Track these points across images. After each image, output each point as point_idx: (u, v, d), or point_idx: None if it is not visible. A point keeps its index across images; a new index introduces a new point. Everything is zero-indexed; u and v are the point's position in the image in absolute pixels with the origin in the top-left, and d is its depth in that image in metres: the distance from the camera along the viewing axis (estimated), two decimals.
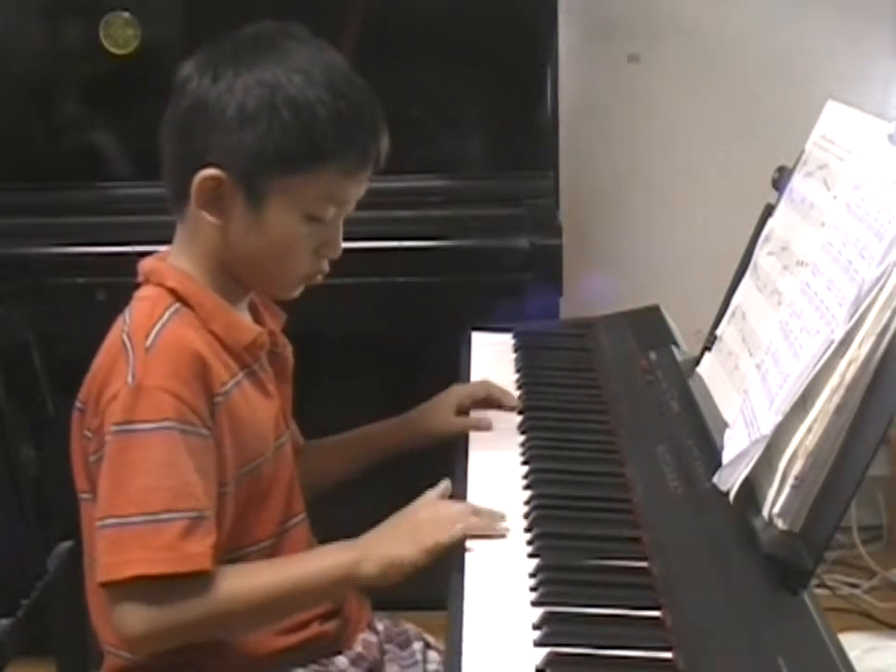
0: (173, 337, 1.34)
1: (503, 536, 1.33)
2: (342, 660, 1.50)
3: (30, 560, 1.63)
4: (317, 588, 1.35)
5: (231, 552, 1.37)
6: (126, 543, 1.27)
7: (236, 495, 1.38)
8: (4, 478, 1.59)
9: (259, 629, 1.41)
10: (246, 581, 1.32)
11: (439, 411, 1.66)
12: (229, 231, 1.38)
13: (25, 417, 1.74)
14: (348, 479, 1.66)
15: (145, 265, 1.43)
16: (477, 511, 1.35)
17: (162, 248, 1.46)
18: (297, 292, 1.46)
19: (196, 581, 1.28)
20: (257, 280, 1.44)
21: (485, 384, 1.71)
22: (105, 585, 1.29)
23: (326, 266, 1.45)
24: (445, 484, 1.42)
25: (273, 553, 1.44)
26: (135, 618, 1.27)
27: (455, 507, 1.37)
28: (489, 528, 1.33)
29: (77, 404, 1.40)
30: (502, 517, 1.36)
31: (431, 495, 1.39)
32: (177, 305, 1.38)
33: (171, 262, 1.42)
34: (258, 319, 1.49)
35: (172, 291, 1.39)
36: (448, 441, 1.62)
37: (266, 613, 1.36)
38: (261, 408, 1.43)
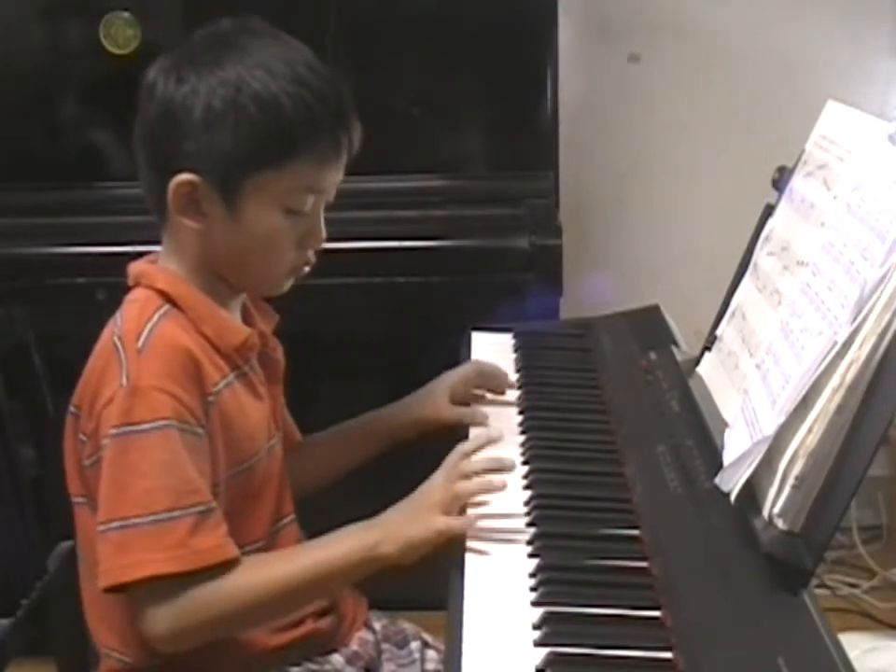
0: (164, 337, 1.34)
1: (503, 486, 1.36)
2: (337, 658, 1.51)
3: (30, 560, 1.63)
4: (339, 571, 1.34)
5: None
6: (133, 545, 1.27)
7: (227, 496, 1.38)
8: (4, 478, 1.59)
9: (282, 618, 1.42)
10: (265, 571, 1.32)
11: (431, 399, 1.66)
12: (210, 233, 1.39)
13: (25, 417, 1.74)
14: (346, 472, 1.66)
15: (134, 268, 1.43)
16: (475, 470, 1.38)
17: (158, 248, 1.46)
18: (286, 287, 1.46)
19: (211, 576, 1.28)
20: (244, 279, 1.44)
21: (475, 363, 1.73)
22: (110, 589, 1.29)
23: (312, 257, 1.44)
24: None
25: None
26: (159, 620, 1.28)
27: (454, 472, 1.37)
28: (486, 485, 1.35)
29: (71, 409, 1.40)
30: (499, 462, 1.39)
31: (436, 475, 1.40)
32: (167, 307, 1.38)
33: (160, 265, 1.43)
34: (248, 321, 1.49)
35: (162, 293, 1.39)
36: (442, 429, 1.63)
37: (289, 601, 1.36)
38: (252, 410, 1.43)
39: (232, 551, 1.30)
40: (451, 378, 1.68)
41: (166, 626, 1.28)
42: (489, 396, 1.70)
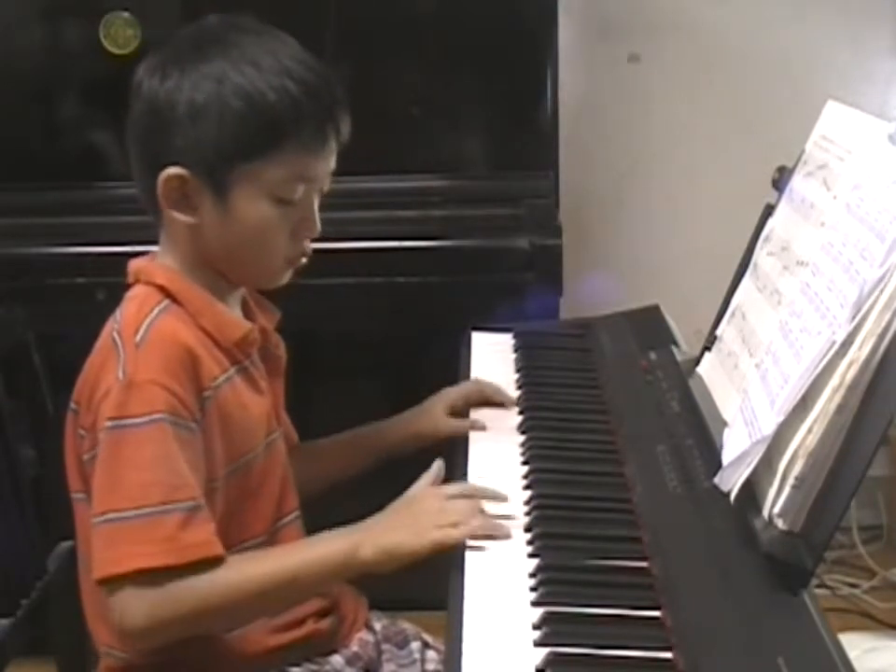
0: (162, 332, 1.35)
1: (507, 537, 1.32)
2: (337, 659, 1.50)
3: (30, 560, 1.63)
4: (317, 574, 1.34)
5: (224, 548, 1.36)
6: (124, 538, 1.27)
7: (226, 491, 1.38)
8: (4, 478, 1.59)
9: (259, 618, 1.41)
10: (244, 569, 1.32)
11: (429, 412, 1.66)
12: (202, 227, 1.39)
13: (25, 417, 1.74)
14: (340, 483, 1.65)
15: (133, 265, 1.44)
16: (481, 511, 1.34)
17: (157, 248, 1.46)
18: (284, 279, 1.45)
19: (196, 572, 1.28)
20: (240, 272, 1.44)
21: (476, 382, 1.72)
22: (102, 581, 1.28)
23: (308, 248, 1.44)
24: (438, 465, 1.41)
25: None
26: (135, 611, 1.27)
27: (460, 504, 1.35)
28: (491, 531, 1.32)
29: (71, 405, 1.40)
30: (507, 519, 1.34)
31: (425, 481, 1.39)
32: (167, 302, 1.38)
33: (159, 261, 1.43)
34: (249, 317, 1.49)
35: (161, 289, 1.39)
36: (440, 443, 1.62)
37: (265, 602, 1.35)
38: (252, 404, 1.43)
39: (219, 549, 1.30)
40: (451, 394, 1.68)
41: (141, 619, 1.27)
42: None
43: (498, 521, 1.33)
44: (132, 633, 1.29)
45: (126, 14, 2.34)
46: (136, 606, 1.27)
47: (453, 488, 1.39)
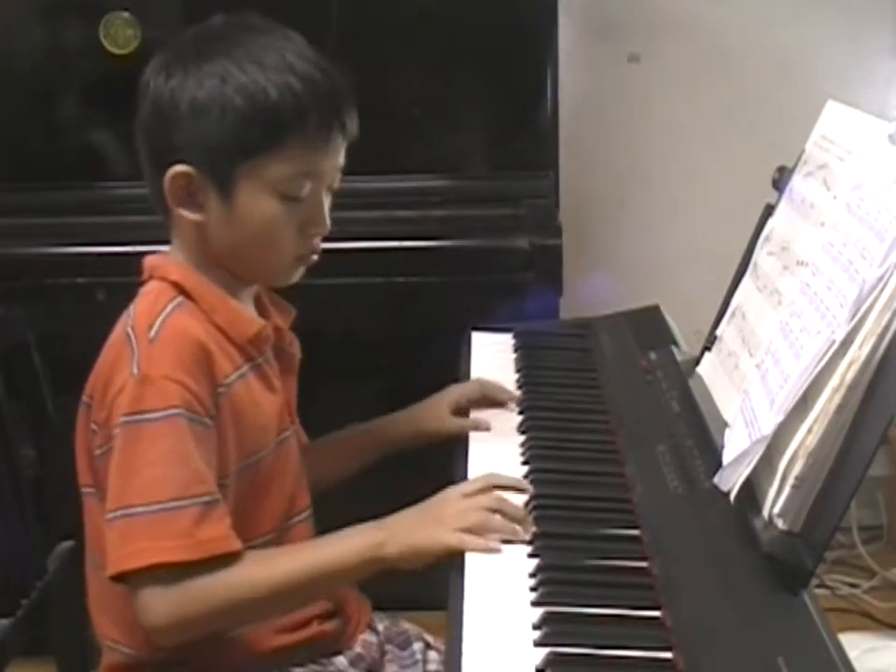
0: (176, 327, 1.35)
1: (525, 540, 1.31)
2: (341, 660, 1.50)
3: (30, 560, 1.63)
4: (341, 570, 1.33)
5: None
6: (139, 533, 1.27)
7: (236, 488, 1.38)
8: (4, 478, 1.59)
9: (285, 613, 1.41)
10: (269, 566, 1.32)
11: (434, 410, 1.66)
12: (209, 225, 1.39)
13: (25, 417, 1.74)
14: (347, 477, 1.66)
15: (148, 261, 1.44)
16: (501, 510, 1.33)
17: (161, 248, 1.46)
18: (295, 276, 1.45)
19: (213, 568, 1.28)
20: (248, 269, 1.44)
21: (478, 381, 1.72)
22: (116, 577, 1.28)
23: (318, 245, 1.44)
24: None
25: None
26: (159, 609, 1.27)
27: (480, 501, 1.33)
28: (509, 533, 1.31)
29: (84, 398, 1.40)
30: (524, 517, 1.34)
31: (457, 490, 1.37)
32: (181, 298, 1.39)
33: (173, 258, 1.43)
34: (263, 315, 1.49)
35: (175, 285, 1.40)
36: (445, 441, 1.62)
37: (289, 598, 1.36)
38: (265, 402, 1.43)
39: (236, 543, 1.30)
40: (454, 393, 1.68)
41: (165, 616, 1.27)
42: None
43: (514, 516, 1.33)
44: (157, 631, 1.29)
45: (126, 14, 2.34)
46: (159, 604, 1.27)
47: (474, 484, 1.38)
